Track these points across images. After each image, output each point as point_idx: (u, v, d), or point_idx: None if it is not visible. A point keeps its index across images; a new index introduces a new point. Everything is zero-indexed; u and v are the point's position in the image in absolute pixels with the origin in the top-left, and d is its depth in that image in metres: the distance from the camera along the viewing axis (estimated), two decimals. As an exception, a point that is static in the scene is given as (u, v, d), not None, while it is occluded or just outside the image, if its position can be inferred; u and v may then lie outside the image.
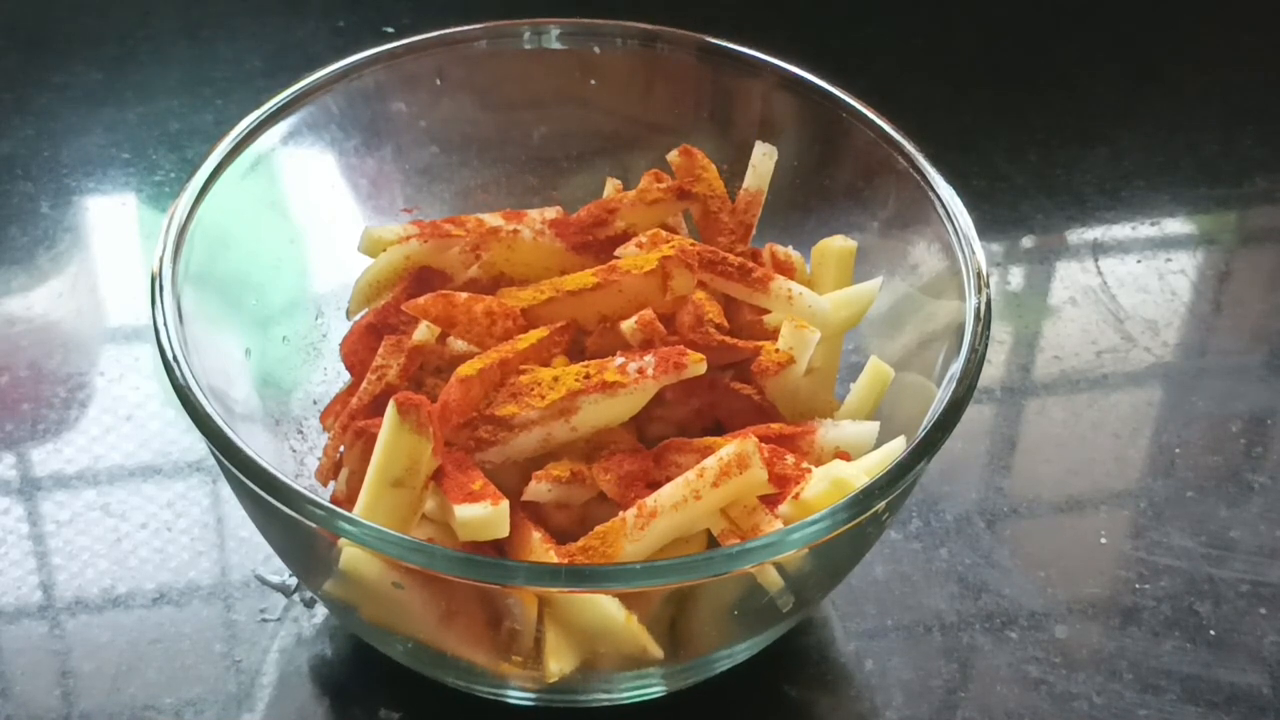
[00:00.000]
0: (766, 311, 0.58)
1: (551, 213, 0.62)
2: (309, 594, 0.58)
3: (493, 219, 0.61)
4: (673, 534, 0.50)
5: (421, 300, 0.57)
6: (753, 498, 0.51)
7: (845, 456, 0.54)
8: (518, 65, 0.64)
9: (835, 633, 0.59)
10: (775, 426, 0.55)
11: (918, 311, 0.58)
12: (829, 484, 0.50)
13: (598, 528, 0.51)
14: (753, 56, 0.62)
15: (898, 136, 0.59)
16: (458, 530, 0.50)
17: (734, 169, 0.61)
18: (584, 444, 0.53)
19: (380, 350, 0.57)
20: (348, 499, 0.54)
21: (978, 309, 0.53)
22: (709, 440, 0.53)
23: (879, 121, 0.60)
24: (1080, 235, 0.78)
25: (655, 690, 0.54)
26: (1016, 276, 0.76)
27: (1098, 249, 0.77)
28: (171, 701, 0.56)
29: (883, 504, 0.48)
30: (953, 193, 0.57)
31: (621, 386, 0.52)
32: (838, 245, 0.60)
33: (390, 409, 0.49)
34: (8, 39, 0.84)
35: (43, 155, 0.77)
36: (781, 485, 0.52)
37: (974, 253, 0.55)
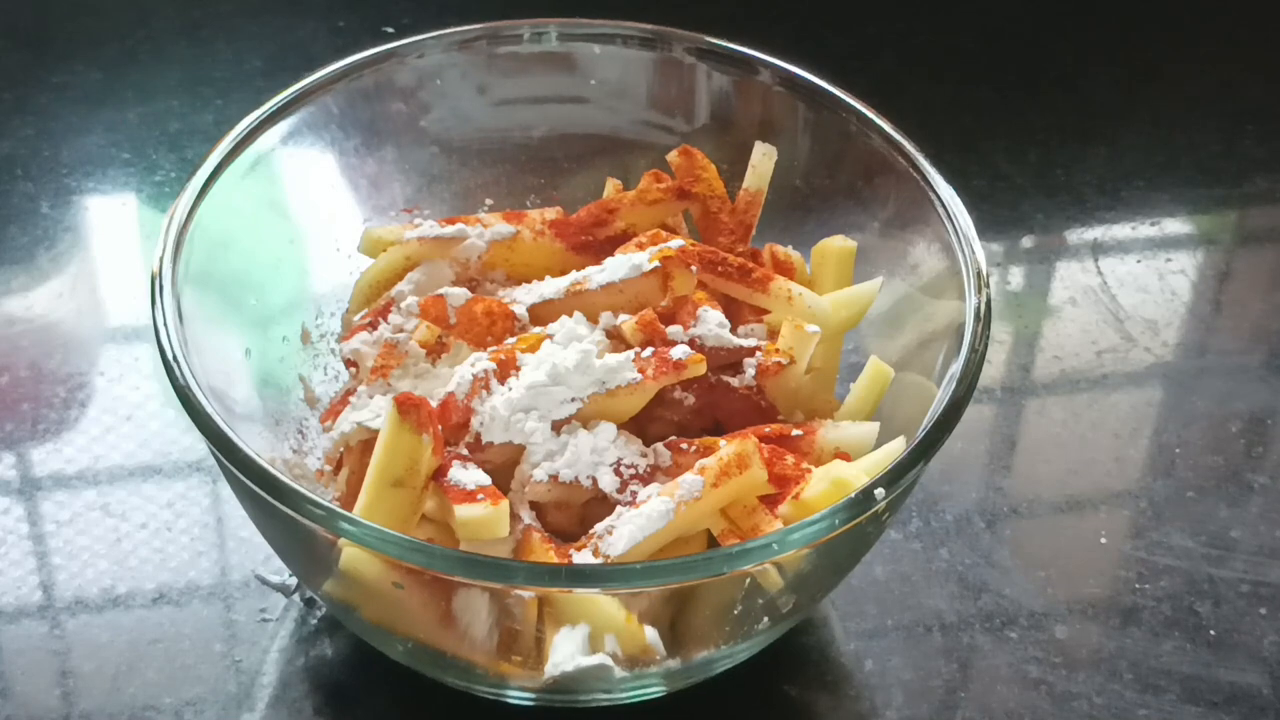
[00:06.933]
0: (766, 311, 0.58)
1: (551, 213, 0.62)
2: (309, 594, 0.58)
3: (493, 219, 0.61)
4: (673, 534, 0.50)
5: (422, 300, 0.57)
6: (753, 498, 0.51)
7: (845, 456, 0.54)
8: (518, 65, 0.64)
9: (835, 633, 0.59)
10: (775, 426, 0.55)
11: (918, 311, 0.58)
12: (829, 484, 0.50)
13: (597, 527, 0.51)
14: (753, 56, 0.62)
15: (898, 136, 0.59)
16: (458, 530, 0.50)
17: (734, 169, 0.61)
18: (584, 444, 0.53)
19: (381, 350, 0.57)
20: (348, 499, 0.54)
21: (978, 309, 0.53)
22: (709, 440, 0.53)
23: (879, 121, 0.60)
24: (1080, 235, 0.78)
25: (655, 690, 0.54)
26: (1016, 276, 0.76)
27: (1098, 249, 0.77)
28: (171, 701, 0.56)
29: (883, 504, 0.48)
30: (953, 193, 0.57)
31: (622, 386, 0.52)
32: (838, 245, 0.60)
33: (390, 409, 0.49)
34: (8, 39, 0.84)
35: (43, 155, 0.77)
36: (781, 485, 0.52)
37: (974, 253, 0.55)
